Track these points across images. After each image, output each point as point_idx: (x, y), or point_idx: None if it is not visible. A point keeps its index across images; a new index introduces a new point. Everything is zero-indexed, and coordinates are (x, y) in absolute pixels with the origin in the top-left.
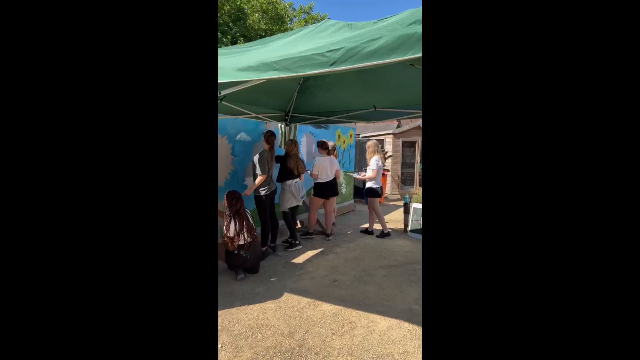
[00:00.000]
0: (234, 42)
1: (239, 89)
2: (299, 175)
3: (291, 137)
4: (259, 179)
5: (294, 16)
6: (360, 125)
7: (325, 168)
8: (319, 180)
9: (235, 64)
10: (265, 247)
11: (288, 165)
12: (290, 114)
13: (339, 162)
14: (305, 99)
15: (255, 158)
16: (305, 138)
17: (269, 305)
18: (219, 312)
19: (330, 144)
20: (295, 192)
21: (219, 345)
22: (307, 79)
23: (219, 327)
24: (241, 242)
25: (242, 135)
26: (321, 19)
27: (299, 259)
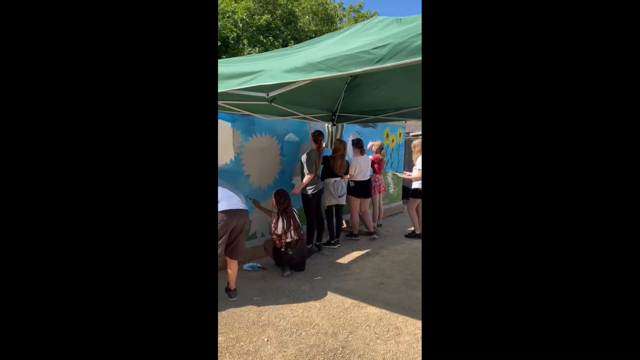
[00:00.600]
0: (284, 45)
1: (286, 90)
2: (340, 175)
3: (338, 137)
4: (306, 178)
5: (344, 15)
6: (411, 123)
7: (361, 167)
8: (355, 179)
9: (282, 66)
10: (311, 245)
11: (330, 165)
12: (337, 114)
13: (387, 162)
14: (352, 97)
15: (303, 158)
16: (352, 137)
17: (314, 303)
18: (266, 307)
19: (377, 143)
20: (334, 190)
21: (265, 339)
22: (354, 77)
23: (265, 321)
24: (288, 240)
25: (290, 136)
26: (371, 17)
27: (345, 259)
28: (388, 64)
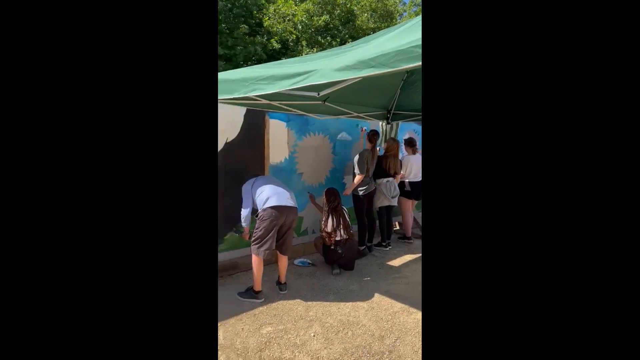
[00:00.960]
0: (342, 44)
1: (337, 88)
2: (393, 175)
3: (392, 136)
4: (357, 179)
5: (404, 10)
6: None
7: (412, 168)
8: (406, 179)
9: (334, 65)
10: (363, 247)
11: (383, 165)
12: (392, 112)
13: None
14: (409, 94)
15: (355, 158)
16: (408, 136)
17: (362, 304)
18: (314, 303)
19: None
20: (386, 191)
21: (312, 334)
22: (411, 73)
23: (313, 316)
24: (338, 238)
25: (343, 135)
26: None
27: (396, 262)
28: None
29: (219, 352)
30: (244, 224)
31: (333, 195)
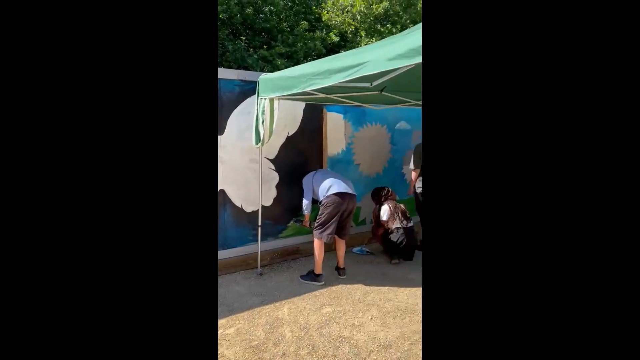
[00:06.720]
0: (403, 31)
1: (390, 77)
2: None
3: None
4: (413, 175)
5: None
6: None
7: None
8: None
9: (387, 54)
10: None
11: None
12: None
13: None
14: None
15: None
16: None
17: (420, 292)
18: (372, 288)
19: None
20: None
21: (369, 317)
22: None
23: (370, 301)
24: (397, 225)
25: (401, 124)
26: None
27: None
28: None
29: (284, 327)
30: (305, 212)
31: (376, 191)
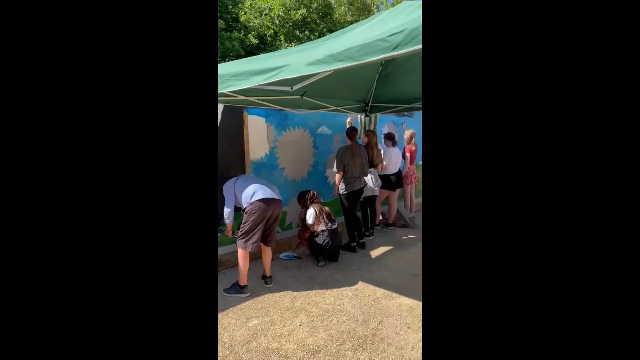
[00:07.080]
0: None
1: (309, 82)
2: (375, 166)
3: (371, 128)
4: (336, 177)
5: (381, 3)
6: None
7: (391, 159)
8: (386, 172)
9: (306, 59)
10: (354, 244)
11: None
12: (370, 104)
13: None
14: (385, 86)
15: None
16: (387, 128)
17: (346, 292)
18: (300, 293)
19: (409, 132)
20: (370, 182)
21: (298, 323)
22: (386, 66)
23: (299, 307)
24: (322, 228)
25: (323, 129)
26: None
27: (378, 251)
28: (404, 50)
29: None
30: (227, 221)
31: (301, 195)
